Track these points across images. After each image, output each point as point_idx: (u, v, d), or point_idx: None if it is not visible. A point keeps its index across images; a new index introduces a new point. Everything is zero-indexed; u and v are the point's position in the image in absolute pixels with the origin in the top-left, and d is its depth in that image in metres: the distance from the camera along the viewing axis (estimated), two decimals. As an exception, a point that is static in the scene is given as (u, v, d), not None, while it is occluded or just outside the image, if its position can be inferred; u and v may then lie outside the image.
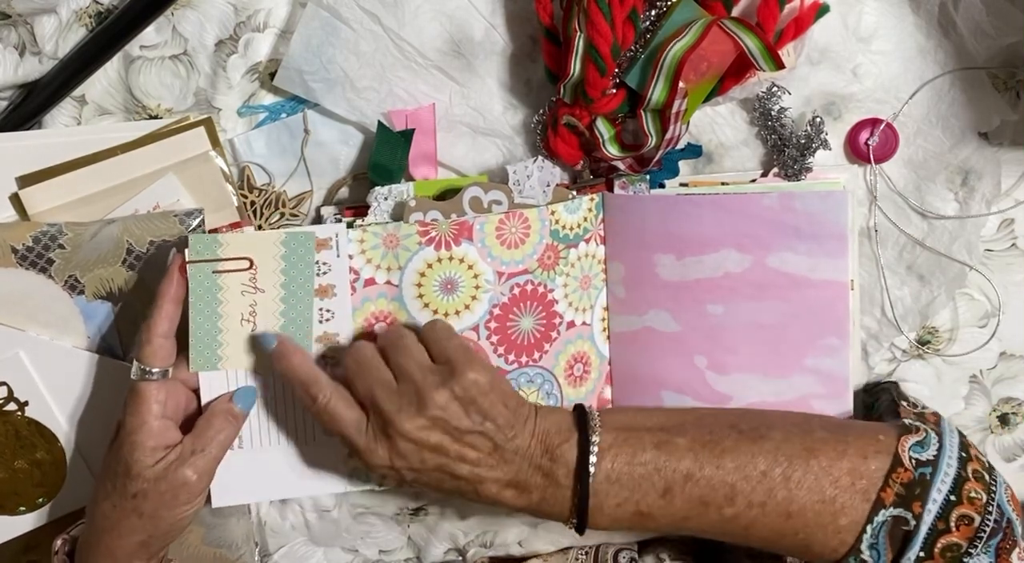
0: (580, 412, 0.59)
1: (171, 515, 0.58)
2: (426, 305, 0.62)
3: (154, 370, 0.58)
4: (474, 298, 0.63)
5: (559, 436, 0.58)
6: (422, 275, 0.62)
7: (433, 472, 0.57)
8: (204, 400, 0.60)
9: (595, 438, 0.57)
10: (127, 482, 0.57)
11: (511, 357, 0.64)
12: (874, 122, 0.65)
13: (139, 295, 0.64)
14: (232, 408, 0.60)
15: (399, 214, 0.63)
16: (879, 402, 0.67)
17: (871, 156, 0.65)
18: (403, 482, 0.59)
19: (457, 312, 0.63)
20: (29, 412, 0.64)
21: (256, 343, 0.60)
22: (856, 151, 0.66)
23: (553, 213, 0.63)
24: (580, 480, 0.57)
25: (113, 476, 0.58)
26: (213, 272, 0.59)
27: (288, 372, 0.59)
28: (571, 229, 0.65)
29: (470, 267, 0.62)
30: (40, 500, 0.65)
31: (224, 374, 0.61)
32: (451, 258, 0.62)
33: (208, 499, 0.61)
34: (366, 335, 0.62)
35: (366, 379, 0.57)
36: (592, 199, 0.66)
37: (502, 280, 0.63)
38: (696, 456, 0.57)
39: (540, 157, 0.65)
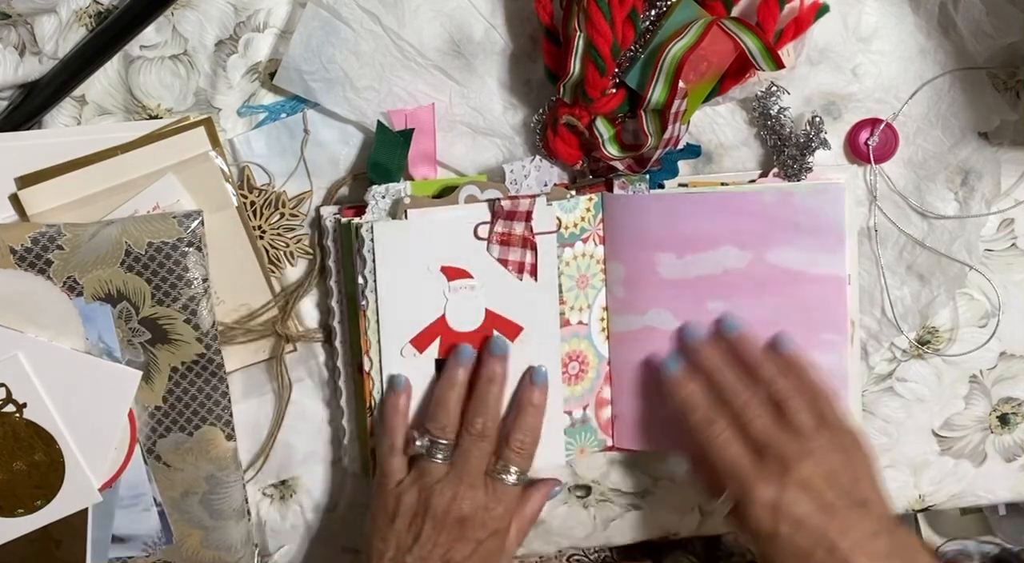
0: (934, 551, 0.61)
1: None
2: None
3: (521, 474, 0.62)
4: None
5: (921, 560, 0.57)
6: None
7: (813, 532, 0.55)
8: None
9: None
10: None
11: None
12: (874, 122, 0.65)
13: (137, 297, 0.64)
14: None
15: (395, 212, 0.63)
16: None
17: (871, 156, 0.65)
18: (766, 538, 0.57)
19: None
20: (27, 414, 0.63)
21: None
22: (856, 151, 0.66)
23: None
24: None
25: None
26: None
27: (689, 399, 0.61)
28: (567, 228, 0.65)
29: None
30: (38, 502, 0.65)
31: None
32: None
33: None
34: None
35: (757, 416, 0.59)
36: (591, 199, 0.66)
37: None
38: None
39: (538, 157, 0.65)
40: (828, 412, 0.59)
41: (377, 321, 0.63)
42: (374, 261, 0.62)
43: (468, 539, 0.60)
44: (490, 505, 0.60)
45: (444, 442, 0.61)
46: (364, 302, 0.63)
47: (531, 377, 0.64)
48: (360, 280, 0.63)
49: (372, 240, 0.62)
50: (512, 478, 0.61)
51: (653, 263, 0.65)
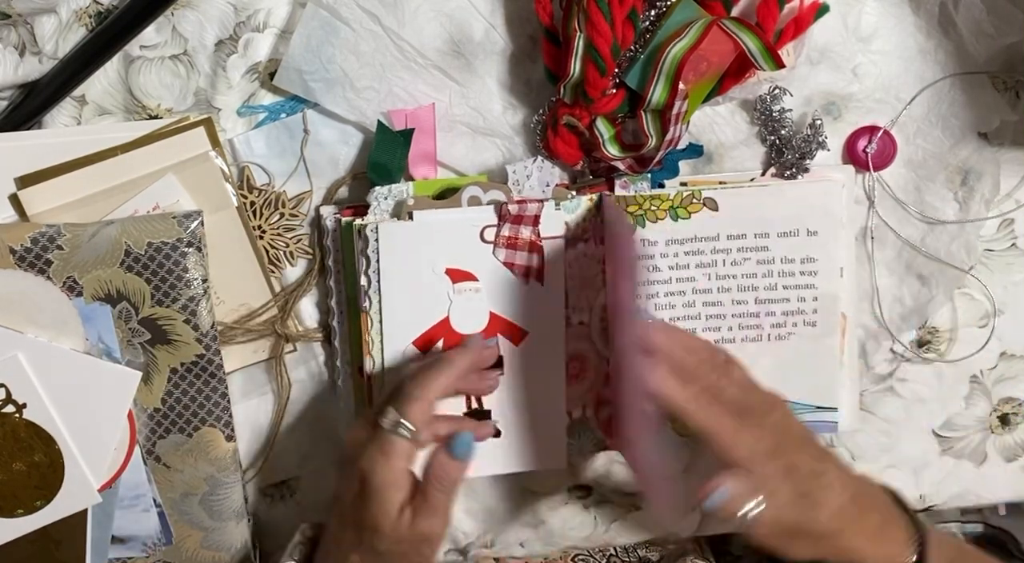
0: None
1: None
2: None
3: (413, 428, 0.56)
4: None
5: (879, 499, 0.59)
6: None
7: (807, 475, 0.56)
8: None
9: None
10: (375, 539, 0.56)
11: None
12: (872, 130, 0.65)
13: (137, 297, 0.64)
14: (450, 465, 0.57)
15: (398, 213, 0.63)
16: None
17: (869, 164, 0.66)
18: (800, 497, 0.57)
19: None
20: (27, 414, 0.63)
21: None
22: (854, 158, 0.66)
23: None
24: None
25: (358, 528, 0.57)
26: None
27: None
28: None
29: None
30: (38, 503, 0.65)
31: None
32: None
33: None
34: None
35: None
36: (591, 199, 0.66)
37: None
38: None
39: (539, 157, 0.65)
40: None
41: (380, 322, 0.63)
42: (378, 262, 0.62)
43: None
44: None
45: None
46: (367, 303, 0.63)
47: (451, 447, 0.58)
48: (363, 281, 0.63)
49: (376, 241, 0.62)
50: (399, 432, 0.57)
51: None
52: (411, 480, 0.56)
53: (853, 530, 0.56)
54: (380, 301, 0.63)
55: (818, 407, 0.68)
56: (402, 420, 0.55)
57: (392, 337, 0.63)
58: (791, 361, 0.67)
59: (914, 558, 0.57)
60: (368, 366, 0.64)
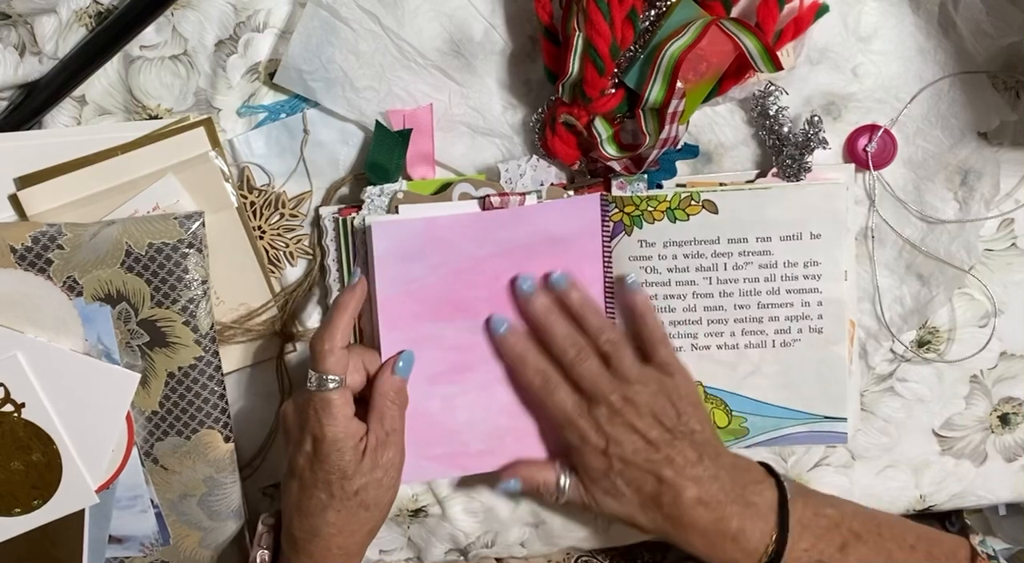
0: (764, 465, 0.64)
1: (389, 495, 0.62)
2: None
3: (337, 378, 0.59)
4: None
5: (754, 473, 0.63)
6: None
7: (640, 467, 0.61)
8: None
9: (787, 485, 0.62)
10: (345, 484, 0.59)
11: None
12: (872, 129, 0.65)
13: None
14: (396, 382, 0.62)
15: (390, 209, 0.63)
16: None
17: (869, 163, 0.65)
18: (602, 480, 0.62)
19: None
20: (26, 414, 0.63)
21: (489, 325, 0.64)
22: (855, 157, 0.66)
23: None
24: (780, 517, 0.60)
25: (327, 485, 0.59)
26: None
27: (519, 354, 0.63)
28: None
29: None
30: (35, 502, 0.65)
31: None
32: None
33: None
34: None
35: (585, 367, 0.62)
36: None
37: None
38: (862, 522, 0.62)
39: (535, 156, 0.65)
40: (655, 356, 0.63)
41: (371, 310, 0.63)
42: (366, 254, 0.62)
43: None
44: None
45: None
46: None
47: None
48: (348, 272, 0.64)
49: (364, 232, 0.62)
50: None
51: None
52: (356, 422, 0.60)
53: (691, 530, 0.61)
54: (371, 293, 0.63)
55: (826, 417, 0.68)
56: (325, 376, 0.59)
57: (385, 328, 0.63)
58: (798, 369, 0.67)
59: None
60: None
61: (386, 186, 0.64)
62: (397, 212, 0.63)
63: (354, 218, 0.64)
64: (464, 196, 0.63)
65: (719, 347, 0.67)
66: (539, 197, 0.64)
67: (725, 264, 0.65)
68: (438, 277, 0.63)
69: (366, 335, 0.66)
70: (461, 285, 0.63)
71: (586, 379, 0.62)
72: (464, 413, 0.66)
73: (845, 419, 0.68)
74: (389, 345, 0.63)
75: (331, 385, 0.59)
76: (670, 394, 0.62)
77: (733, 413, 0.68)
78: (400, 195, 0.63)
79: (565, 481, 0.64)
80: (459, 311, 0.64)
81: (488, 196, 0.63)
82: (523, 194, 0.64)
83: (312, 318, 0.69)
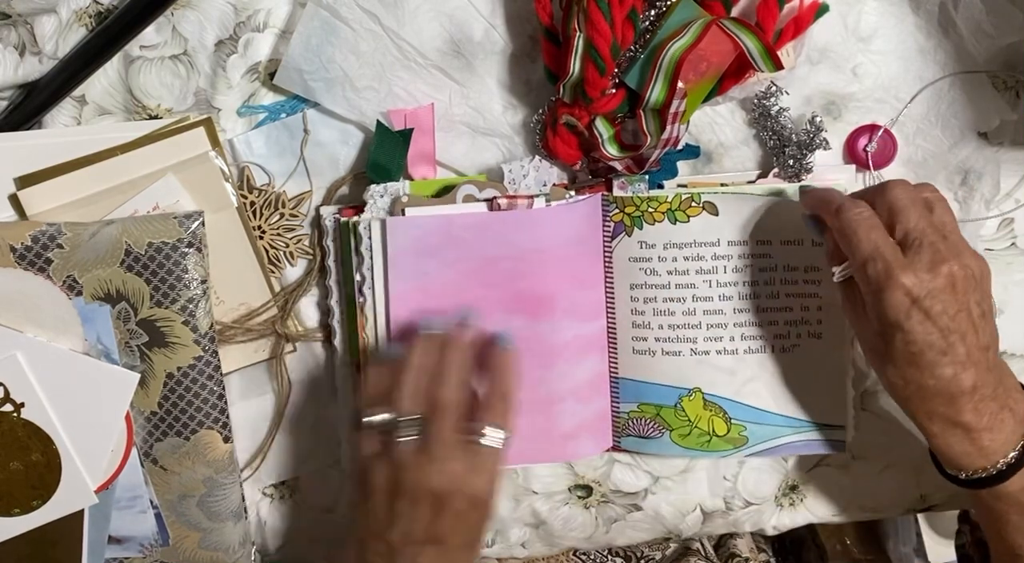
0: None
1: None
2: None
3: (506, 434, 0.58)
4: None
5: (1015, 382, 0.58)
6: None
7: (951, 324, 0.55)
8: None
9: None
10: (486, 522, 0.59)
11: None
12: (872, 129, 0.65)
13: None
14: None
15: (394, 211, 0.63)
16: None
17: (869, 163, 0.65)
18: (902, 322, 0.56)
19: None
20: (25, 414, 0.63)
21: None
22: (855, 157, 0.66)
23: None
24: None
25: (472, 546, 0.59)
26: None
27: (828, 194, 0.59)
28: None
29: None
30: (35, 503, 0.65)
31: None
32: None
33: None
34: None
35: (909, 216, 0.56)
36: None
37: None
38: None
39: (537, 157, 0.65)
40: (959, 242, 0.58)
41: (374, 317, 0.63)
42: (371, 258, 0.62)
43: (448, 513, 0.57)
44: (468, 475, 0.57)
45: (405, 418, 0.58)
46: (362, 299, 0.63)
47: (498, 345, 0.61)
48: (358, 277, 0.63)
49: (370, 238, 0.62)
50: (491, 441, 0.58)
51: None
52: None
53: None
54: (374, 297, 0.63)
55: (825, 426, 0.67)
56: (506, 435, 0.58)
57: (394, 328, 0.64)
58: (797, 374, 0.67)
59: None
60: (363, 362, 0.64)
61: (389, 185, 0.64)
62: (403, 215, 0.62)
63: (356, 222, 0.64)
64: (469, 198, 0.63)
65: (718, 352, 0.66)
66: (547, 200, 0.64)
67: (725, 267, 0.65)
68: (450, 275, 0.63)
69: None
70: (471, 284, 0.63)
71: (911, 224, 0.56)
72: None
73: (843, 427, 0.67)
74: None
75: (503, 434, 0.58)
76: (983, 273, 0.57)
77: (733, 422, 0.67)
78: (404, 198, 0.62)
79: (845, 273, 0.59)
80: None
81: (495, 198, 0.63)
82: (531, 197, 0.63)
83: (312, 318, 0.69)
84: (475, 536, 0.59)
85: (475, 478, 0.57)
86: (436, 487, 0.57)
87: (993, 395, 0.56)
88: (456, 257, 0.63)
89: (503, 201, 0.63)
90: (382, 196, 0.63)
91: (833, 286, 0.62)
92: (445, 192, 0.64)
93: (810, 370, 0.66)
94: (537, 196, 0.64)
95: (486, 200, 0.63)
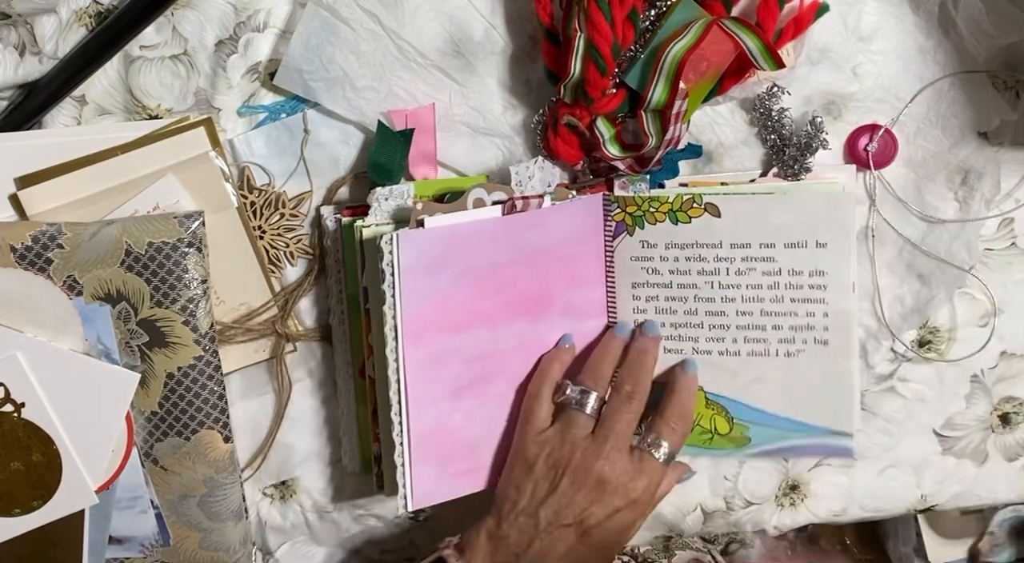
0: None
1: None
2: None
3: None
4: None
5: None
6: None
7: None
8: None
9: None
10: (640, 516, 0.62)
11: None
12: (873, 128, 0.65)
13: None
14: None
15: (400, 216, 0.63)
16: None
17: (870, 162, 0.65)
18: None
19: None
20: (26, 414, 0.63)
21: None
22: (855, 157, 0.66)
23: None
24: None
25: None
26: None
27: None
28: None
29: None
30: (35, 503, 0.65)
31: None
32: None
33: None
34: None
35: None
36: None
37: None
38: None
39: (541, 157, 0.65)
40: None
41: (397, 328, 0.60)
42: (399, 273, 0.59)
43: (605, 503, 0.58)
44: (634, 476, 0.59)
45: (595, 394, 0.61)
46: (392, 312, 0.60)
47: (684, 367, 0.65)
48: (387, 293, 0.59)
49: (391, 252, 0.58)
50: (661, 455, 0.60)
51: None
52: None
53: None
54: (399, 311, 0.59)
55: (833, 432, 0.67)
56: (671, 451, 0.62)
57: (410, 345, 0.60)
58: (802, 380, 0.66)
59: None
60: (373, 371, 0.64)
61: (394, 188, 0.63)
62: (422, 226, 0.60)
63: (363, 225, 0.62)
64: (479, 202, 0.62)
65: (721, 353, 0.66)
66: (553, 199, 0.64)
67: (727, 269, 0.65)
68: (459, 286, 0.61)
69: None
70: (481, 292, 0.62)
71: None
72: (483, 426, 0.64)
73: (851, 435, 0.67)
74: (413, 365, 0.60)
75: (669, 451, 0.62)
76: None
77: (735, 421, 0.67)
78: (419, 206, 0.60)
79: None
80: (479, 319, 0.62)
81: (512, 199, 0.63)
82: (540, 196, 0.63)
83: (312, 318, 0.69)
84: (616, 540, 0.60)
85: (638, 482, 0.59)
86: (604, 475, 0.58)
87: None
88: (462, 268, 0.61)
89: (519, 202, 0.62)
90: (387, 199, 0.63)
91: (840, 292, 0.62)
92: (451, 196, 0.63)
93: (816, 376, 0.66)
94: (545, 195, 0.64)
95: (499, 203, 0.63)
